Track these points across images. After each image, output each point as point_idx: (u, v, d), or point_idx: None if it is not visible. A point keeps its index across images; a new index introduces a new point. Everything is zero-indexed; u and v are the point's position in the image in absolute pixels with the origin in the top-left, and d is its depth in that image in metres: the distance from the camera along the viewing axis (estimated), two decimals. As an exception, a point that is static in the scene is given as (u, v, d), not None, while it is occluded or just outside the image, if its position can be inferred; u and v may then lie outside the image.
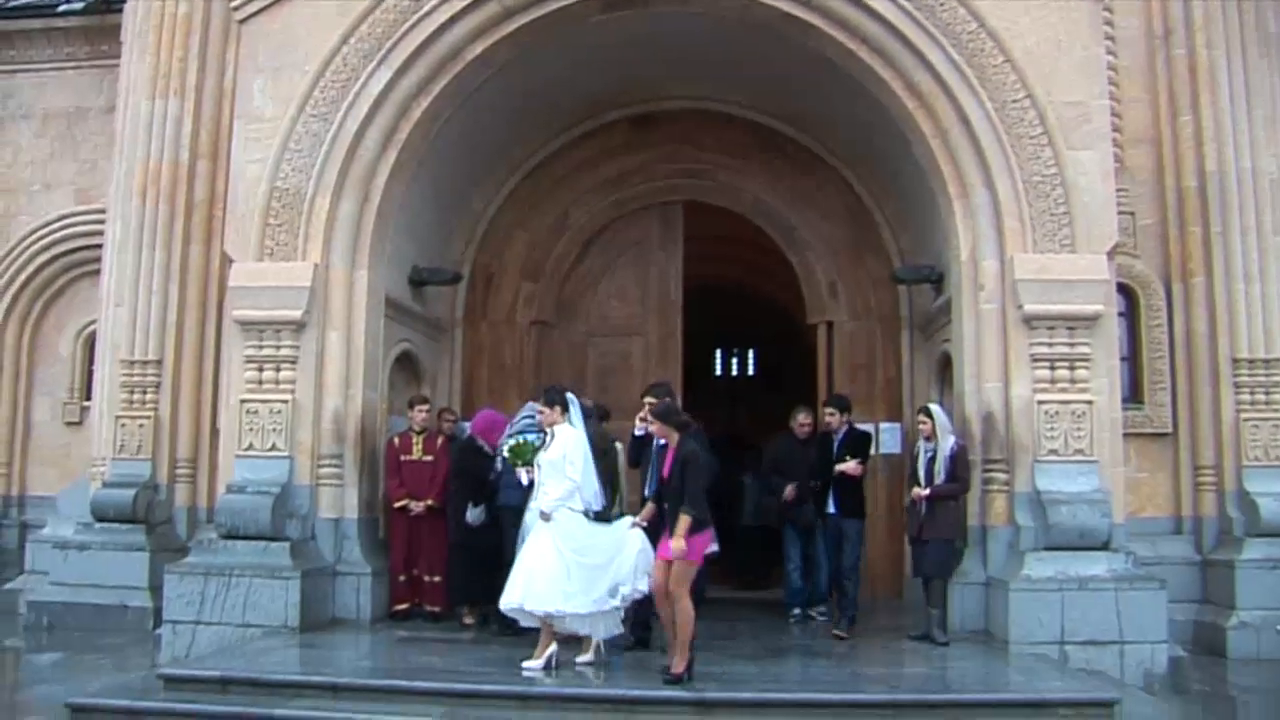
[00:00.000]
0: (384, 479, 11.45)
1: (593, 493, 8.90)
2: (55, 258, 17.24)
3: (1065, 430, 10.24)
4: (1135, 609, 9.68)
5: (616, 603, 8.59)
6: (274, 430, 10.84)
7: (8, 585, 13.89)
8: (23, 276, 17.29)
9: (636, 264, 14.07)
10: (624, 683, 8.39)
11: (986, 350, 10.61)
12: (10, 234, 17.29)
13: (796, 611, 11.34)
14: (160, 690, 8.34)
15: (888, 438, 12.93)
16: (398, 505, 11.16)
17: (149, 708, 8.08)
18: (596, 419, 10.16)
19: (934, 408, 10.45)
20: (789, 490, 11.03)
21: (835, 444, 11.13)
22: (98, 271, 14.71)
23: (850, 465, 10.86)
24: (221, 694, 8.20)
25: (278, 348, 10.96)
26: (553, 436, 9.02)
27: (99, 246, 14.73)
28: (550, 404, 9.11)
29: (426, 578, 11.17)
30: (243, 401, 10.98)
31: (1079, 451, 10.24)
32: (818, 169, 13.80)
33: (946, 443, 10.12)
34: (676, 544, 8.02)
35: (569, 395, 9.24)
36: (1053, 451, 10.25)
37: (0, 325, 17.32)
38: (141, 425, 12.50)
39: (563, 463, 8.76)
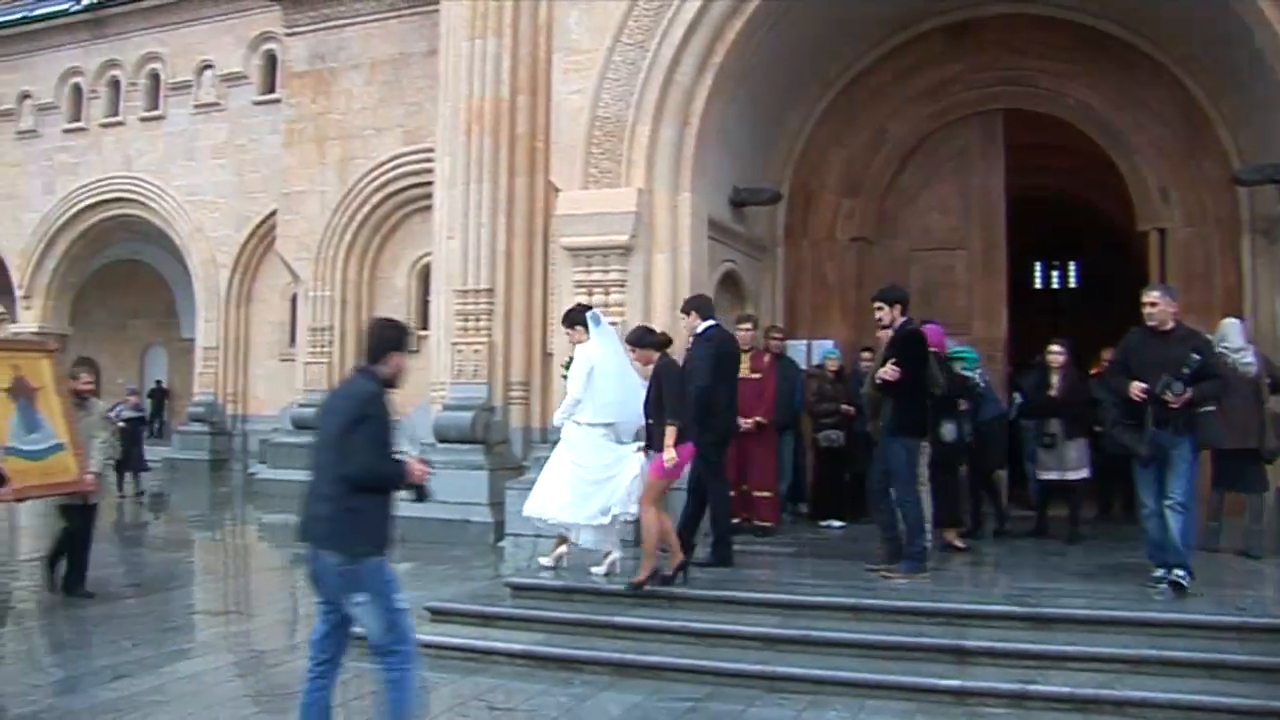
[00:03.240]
0: (712, 397, 11.59)
1: (609, 406, 8.92)
2: (388, 196, 18.32)
3: None
4: None
5: (606, 521, 8.75)
6: (605, 352, 11.17)
7: (361, 502, 14.90)
8: (360, 215, 18.45)
9: (957, 175, 13.81)
10: (955, 596, 8.34)
11: (1342, 253, 9.86)
12: (348, 177, 18.44)
13: (1159, 573, 8.28)
14: (507, 597, 8.83)
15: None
16: (726, 422, 11.32)
17: (499, 612, 8.56)
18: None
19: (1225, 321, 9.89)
20: (1134, 388, 8.03)
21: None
22: (427, 207, 15.43)
23: (886, 370, 8.77)
24: (565, 601, 8.60)
25: (605, 272, 11.28)
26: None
27: (427, 184, 15.45)
28: (570, 325, 9.35)
29: (756, 493, 11.36)
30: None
31: None
32: (1147, 68, 13.08)
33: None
34: (668, 455, 8.19)
35: (590, 313, 9.31)
36: None
37: (343, 262, 18.54)
38: (476, 351, 13.07)
39: (569, 379, 9.07)
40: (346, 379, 5.80)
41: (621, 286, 11.25)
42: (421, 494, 5.67)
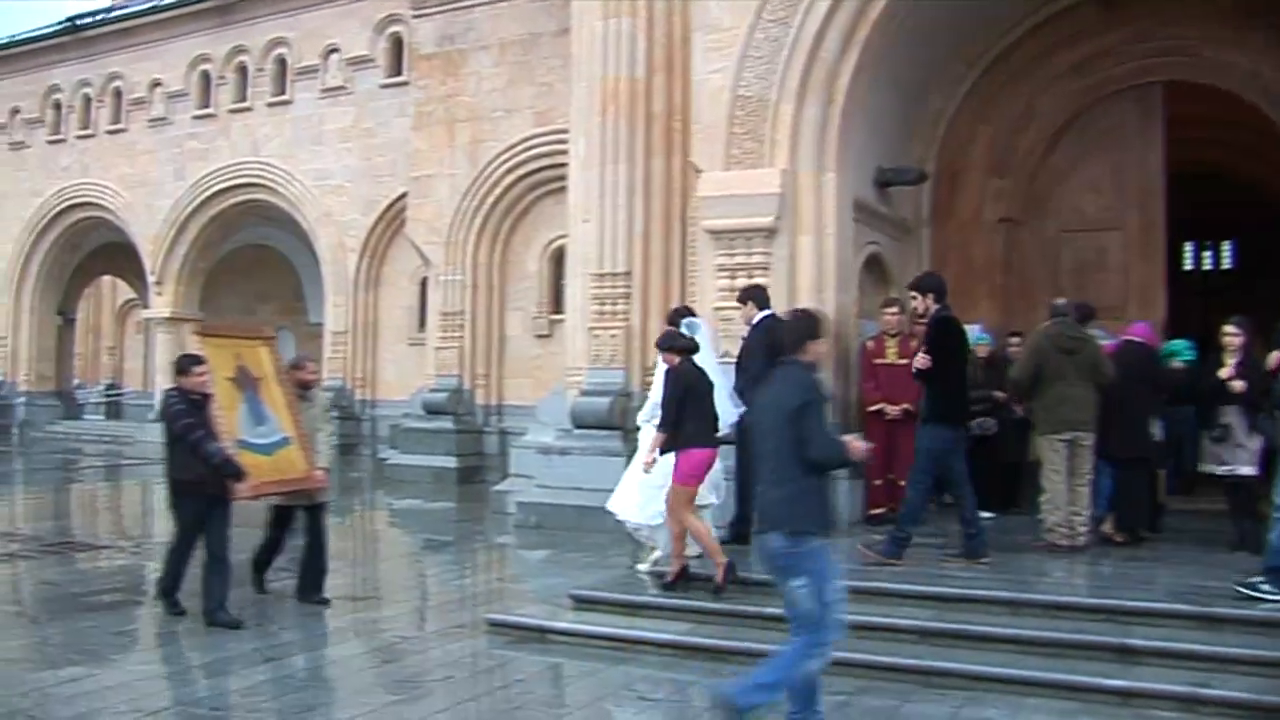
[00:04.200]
0: (858, 383, 11.36)
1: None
2: (520, 179, 18.27)
3: None
4: None
5: (661, 522, 8.78)
6: (749, 337, 10.96)
7: (495, 487, 14.87)
8: (491, 198, 18.43)
9: (1111, 153, 13.43)
10: (1117, 592, 8.00)
11: None
12: (478, 159, 18.41)
13: (1257, 579, 7.60)
14: (650, 586, 8.73)
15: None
16: (872, 409, 11.04)
17: (646, 601, 8.43)
18: (1074, 318, 9.73)
19: None
20: (1273, 358, 7.96)
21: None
22: (559, 189, 15.33)
23: (919, 358, 8.93)
24: (711, 591, 8.38)
25: (749, 255, 11.08)
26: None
27: (559, 165, 15.34)
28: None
29: (903, 482, 11.02)
30: (716, 309, 11.13)
31: None
32: (1325, 33, 12.43)
33: None
34: (646, 458, 8.42)
35: (686, 321, 9.38)
36: None
37: (474, 245, 18.54)
38: (613, 335, 12.90)
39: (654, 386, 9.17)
40: (777, 372, 5.88)
41: (765, 270, 11.02)
42: (856, 470, 5.89)
